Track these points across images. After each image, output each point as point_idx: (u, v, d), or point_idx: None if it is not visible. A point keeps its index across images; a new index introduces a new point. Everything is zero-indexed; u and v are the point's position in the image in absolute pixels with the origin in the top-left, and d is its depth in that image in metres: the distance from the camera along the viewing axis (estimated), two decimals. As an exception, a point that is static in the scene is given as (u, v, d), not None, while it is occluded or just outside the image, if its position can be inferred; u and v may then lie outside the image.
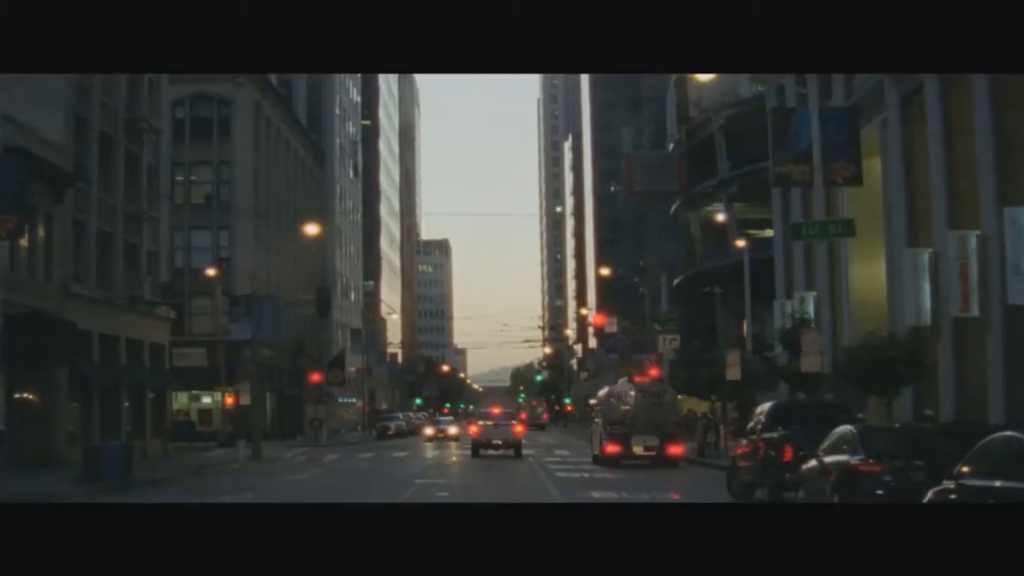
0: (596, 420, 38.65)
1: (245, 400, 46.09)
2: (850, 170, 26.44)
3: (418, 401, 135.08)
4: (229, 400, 51.96)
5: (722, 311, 64.58)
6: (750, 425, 21.43)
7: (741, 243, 52.55)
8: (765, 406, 20.96)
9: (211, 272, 58.74)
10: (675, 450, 35.32)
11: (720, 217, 76.35)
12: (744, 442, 22.07)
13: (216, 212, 65.34)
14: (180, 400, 66.14)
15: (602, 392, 38.67)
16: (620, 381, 37.95)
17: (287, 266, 73.37)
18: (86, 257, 40.49)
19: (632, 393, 36.04)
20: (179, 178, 65.84)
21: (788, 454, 18.43)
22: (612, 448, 35.12)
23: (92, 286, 40.66)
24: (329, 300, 48.65)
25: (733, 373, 37.60)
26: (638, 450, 35.13)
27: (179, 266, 64.80)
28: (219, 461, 43.64)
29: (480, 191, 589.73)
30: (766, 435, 19.68)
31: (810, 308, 38.81)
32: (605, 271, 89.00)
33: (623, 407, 36.00)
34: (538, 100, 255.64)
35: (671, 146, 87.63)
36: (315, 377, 66.81)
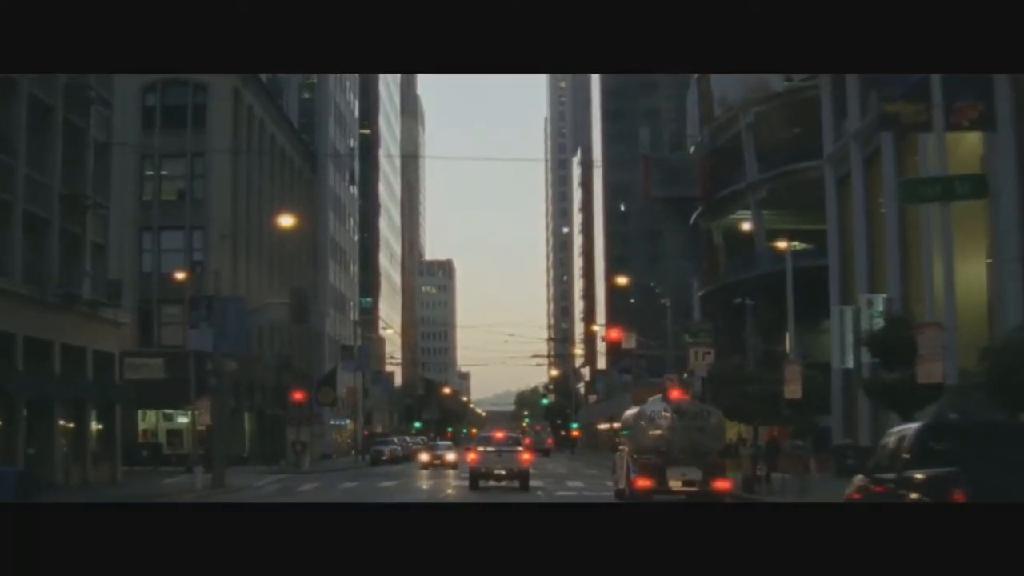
0: (621, 447, 31.58)
1: (205, 419, 39.21)
2: (978, 110, 19.78)
3: (417, 424, 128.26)
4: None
5: (752, 325, 57.80)
6: (884, 451, 14.32)
7: (783, 245, 45.77)
8: (906, 428, 13.75)
9: (180, 276, 52.26)
10: (722, 485, 28.25)
11: (746, 226, 69.67)
12: (860, 481, 15.15)
13: (189, 209, 58.55)
14: (148, 419, 59.66)
15: (629, 413, 31.56)
16: (651, 400, 30.79)
17: (270, 275, 66.58)
18: (9, 244, 33.78)
19: (667, 414, 28.92)
20: (148, 172, 59.36)
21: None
22: (643, 482, 28.07)
23: (16, 279, 33.89)
24: (305, 304, 41.78)
25: (792, 391, 30.70)
26: (675, 484, 28.08)
27: (147, 270, 58.37)
28: (172, 491, 36.96)
29: (485, 213, 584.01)
30: (911, 473, 12.73)
31: (879, 310, 32.23)
32: (622, 279, 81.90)
33: (655, 431, 28.94)
34: (545, 118, 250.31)
35: (692, 149, 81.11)
36: (297, 395, 59.94)
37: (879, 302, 32.73)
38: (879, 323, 32.10)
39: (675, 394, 29.84)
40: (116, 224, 57.13)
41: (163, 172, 59.74)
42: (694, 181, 74.47)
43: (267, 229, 65.66)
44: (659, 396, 30.33)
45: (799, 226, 64.38)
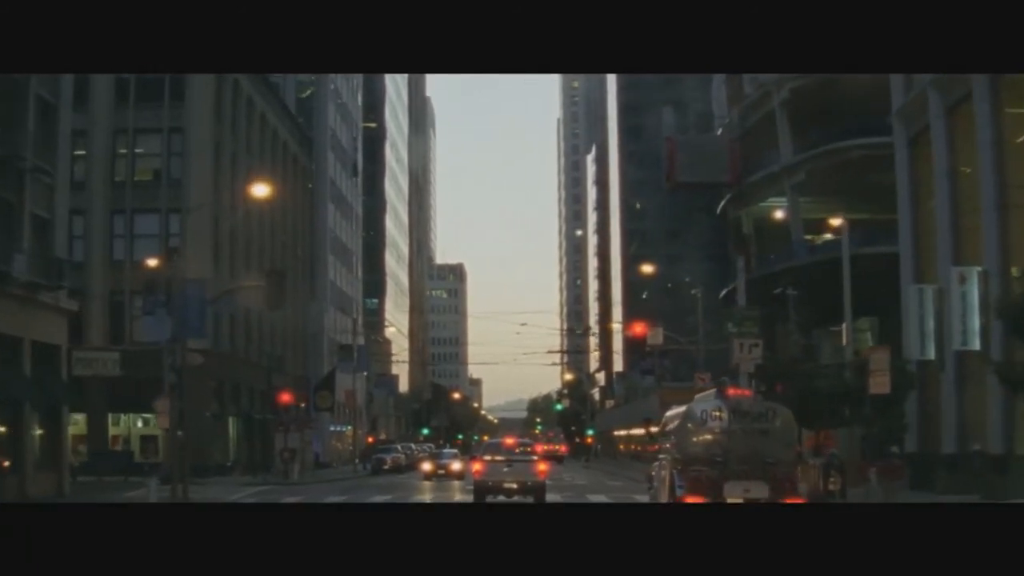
0: (662, 456, 25.44)
1: (163, 422, 33.28)
2: None
3: (425, 431, 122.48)
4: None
5: (794, 318, 51.68)
6: None
7: (837, 222, 39.78)
8: None
9: (152, 263, 46.39)
10: (794, 503, 22.16)
11: (779, 214, 63.61)
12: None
13: (166, 190, 52.63)
14: (121, 424, 53.92)
15: (672, 413, 25.32)
16: (700, 396, 24.60)
17: (259, 266, 60.58)
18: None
19: (721, 414, 22.70)
20: (122, 151, 53.52)
21: None
22: (694, 500, 21.97)
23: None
24: (283, 287, 35.90)
25: (879, 384, 24.62)
26: (735, 502, 22.00)
27: (119, 257, 52.58)
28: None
29: (497, 218, 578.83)
30: None
31: (974, 287, 26.33)
32: (648, 267, 75.84)
33: (706, 436, 22.78)
34: (558, 120, 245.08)
35: (719, 131, 75.02)
36: (284, 397, 53.99)
37: (973, 275, 26.72)
38: (973, 301, 26.28)
39: (733, 389, 23.67)
40: (85, 207, 51.87)
41: (137, 150, 53.85)
42: (723, 165, 68.34)
43: (254, 216, 59.87)
44: (711, 392, 24.11)
45: (839, 214, 58.41)
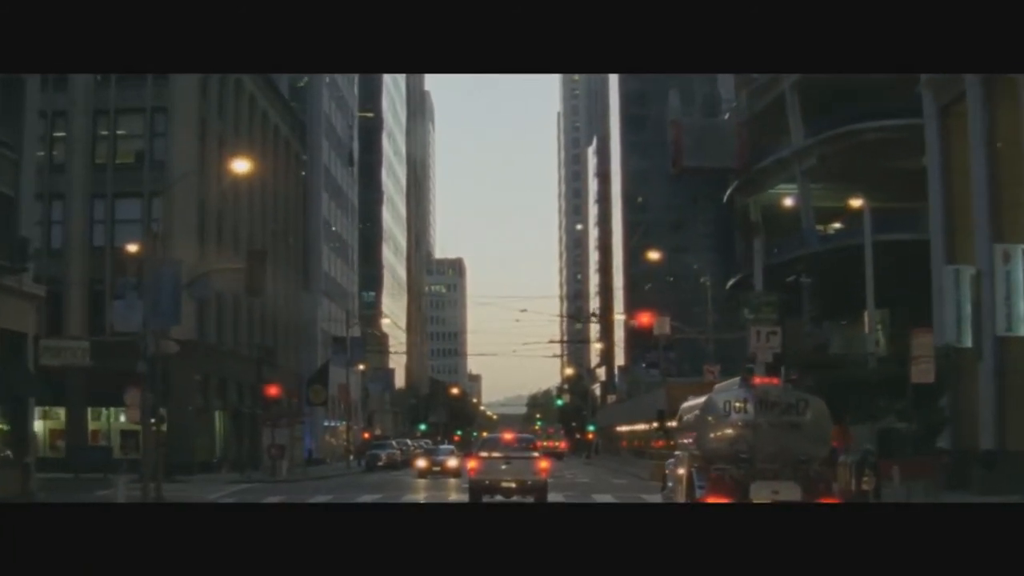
0: (678, 453, 22.97)
1: (134, 415, 30.89)
2: None
3: (422, 427, 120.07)
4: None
5: (807, 309, 49.27)
6: None
7: (857, 203, 37.34)
8: None
9: (133, 248, 43.93)
10: (825, 503, 19.71)
11: (788, 201, 61.19)
12: None
13: (148, 173, 50.12)
14: (101, 419, 51.55)
15: (691, 404, 22.76)
16: (721, 386, 22.10)
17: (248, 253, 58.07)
18: None
19: (744, 405, 20.26)
20: (103, 132, 51.04)
21: None
22: (718, 500, 19.53)
23: None
24: (263, 270, 33.49)
25: (923, 372, 22.19)
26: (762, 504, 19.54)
27: (99, 243, 50.14)
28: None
29: (497, 215, 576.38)
30: None
31: (1019, 267, 23.99)
32: (654, 254, 73.50)
33: (730, 430, 20.30)
34: (558, 113, 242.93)
35: (727, 116, 72.58)
36: (272, 391, 51.56)
37: (1018, 253, 24.33)
38: (1019, 281, 23.93)
39: (760, 378, 21.18)
40: (64, 191, 49.52)
41: (119, 131, 51.33)
42: (731, 150, 65.88)
43: (243, 201, 57.40)
44: (735, 381, 21.59)
45: (855, 199, 55.99)
